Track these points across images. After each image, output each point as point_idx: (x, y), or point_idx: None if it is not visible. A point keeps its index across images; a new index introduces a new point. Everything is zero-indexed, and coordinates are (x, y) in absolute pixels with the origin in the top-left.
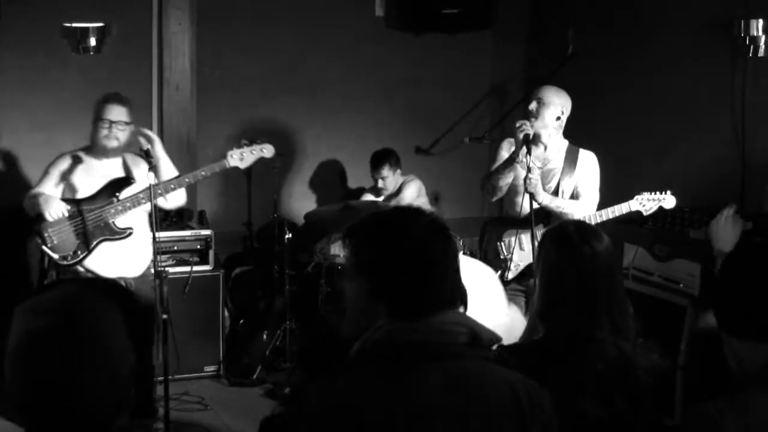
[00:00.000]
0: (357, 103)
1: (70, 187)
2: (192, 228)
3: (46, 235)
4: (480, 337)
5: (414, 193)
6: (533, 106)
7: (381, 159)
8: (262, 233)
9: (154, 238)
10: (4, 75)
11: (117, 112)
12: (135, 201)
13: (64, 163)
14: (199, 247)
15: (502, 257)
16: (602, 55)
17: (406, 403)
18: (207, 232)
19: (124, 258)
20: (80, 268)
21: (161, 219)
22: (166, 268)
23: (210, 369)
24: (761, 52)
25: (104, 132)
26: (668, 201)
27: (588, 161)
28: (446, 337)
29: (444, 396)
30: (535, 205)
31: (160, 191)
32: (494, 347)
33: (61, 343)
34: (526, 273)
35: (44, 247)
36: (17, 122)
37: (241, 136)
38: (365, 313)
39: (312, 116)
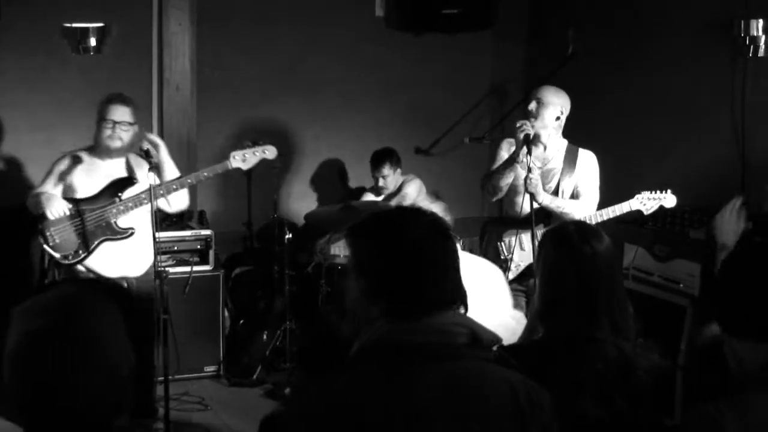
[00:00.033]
0: (357, 103)
1: (73, 187)
2: (192, 228)
3: (48, 234)
4: (480, 337)
5: (414, 193)
6: (533, 106)
7: (382, 158)
8: (262, 233)
9: (154, 238)
10: (4, 75)
11: (120, 113)
12: (137, 201)
13: (68, 163)
14: (199, 247)
15: (502, 257)
16: (602, 55)
17: (405, 403)
18: (207, 232)
19: (125, 258)
20: (81, 268)
21: (161, 219)
22: (167, 268)
23: (210, 369)
24: (761, 52)
25: (107, 132)
26: (669, 200)
27: (587, 161)
28: (445, 337)
29: (443, 396)
30: (535, 205)
31: (162, 192)
32: (494, 348)
33: (60, 343)
34: (526, 273)
35: (46, 246)
36: (17, 122)
37: (241, 136)
38: (365, 312)
39: (312, 116)
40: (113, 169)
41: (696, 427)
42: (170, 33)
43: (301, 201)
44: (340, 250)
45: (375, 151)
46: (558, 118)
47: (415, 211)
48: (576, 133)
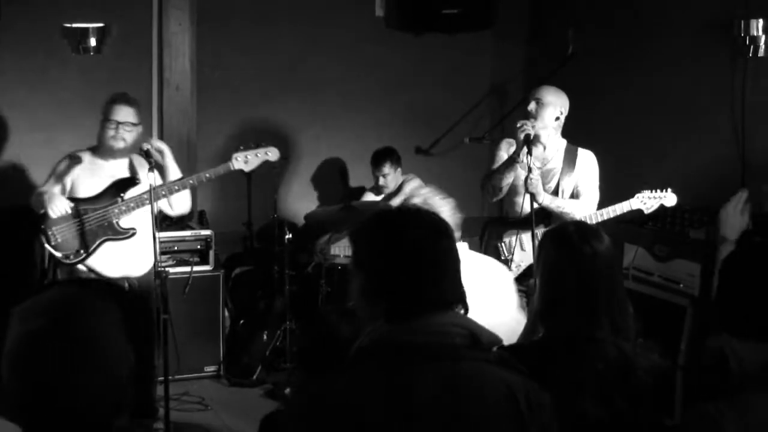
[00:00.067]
0: (357, 103)
1: (76, 187)
2: (192, 228)
3: (50, 233)
4: (479, 338)
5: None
6: (532, 106)
7: (382, 156)
8: (262, 233)
9: (154, 238)
10: (4, 75)
11: (124, 113)
12: (139, 201)
13: (72, 163)
14: (199, 247)
15: (502, 258)
16: (602, 55)
17: (405, 403)
18: (207, 232)
19: (127, 257)
20: (83, 267)
21: (162, 219)
22: (167, 269)
23: (210, 369)
24: (761, 52)
25: (111, 133)
26: (669, 199)
27: (587, 160)
28: (444, 338)
29: (443, 397)
30: (535, 206)
31: (164, 192)
32: (495, 349)
33: (59, 343)
34: (527, 273)
35: (47, 246)
36: (17, 122)
37: (241, 136)
38: (365, 312)
39: (312, 116)
40: (116, 169)
41: (696, 427)
42: (170, 33)
43: (301, 201)
44: (340, 250)
45: (376, 150)
46: (557, 119)
47: (415, 211)
48: (576, 133)
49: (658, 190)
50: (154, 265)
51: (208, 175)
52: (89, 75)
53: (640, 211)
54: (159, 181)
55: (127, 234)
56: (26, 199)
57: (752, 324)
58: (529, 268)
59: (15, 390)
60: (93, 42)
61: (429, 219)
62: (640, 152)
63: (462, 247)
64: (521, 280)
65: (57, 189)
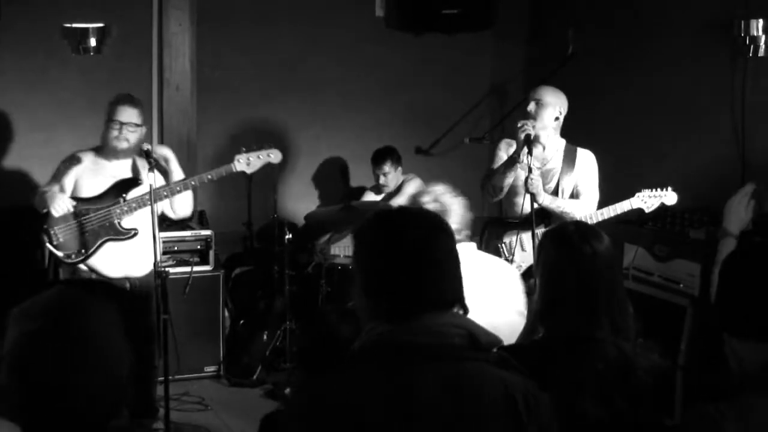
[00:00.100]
0: (357, 103)
1: (79, 186)
2: (192, 228)
3: (52, 232)
4: (478, 339)
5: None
6: (531, 107)
7: (383, 155)
8: (262, 233)
9: (154, 238)
10: (4, 75)
11: (128, 114)
12: (141, 202)
13: (75, 162)
14: (199, 247)
15: (503, 258)
16: (602, 55)
17: (405, 403)
18: (207, 232)
19: (128, 258)
20: (84, 267)
21: (162, 220)
22: (167, 269)
23: (210, 369)
24: (761, 52)
25: (114, 133)
26: (669, 197)
27: (586, 160)
28: (442, 338)
29: (443, 397)
30: (535, 206)
31: (165, 193)
32: (494, 349)
33: (58, 343)
34: (528, 273)
35: (49, 245)
36: (17, 122)
37: (241, 136)
38: (365, 312)
39: (312, 116)
40: (119, 169)
41: (696, 427)
42: (170, 33)
43: (301, 201)
44: (340, 250)
45: (376, 149)
46: (557, 119)
47: (415, 211)
48: (576, 133)
49: (659, 189)
50: (154, 265)
51: (210, 176)
52: (89, 75)
53: (640, 210)
54: (160, 182)
55: (129, 234)
56: (26, 198)
57: (752, 324)
58: (530, 268)
59: (14, 390)
60: (93, 42)
61: (429, 219)
62: (640, 152)
63: (470, 248)
64: (522, 280)
65: (60, 188)
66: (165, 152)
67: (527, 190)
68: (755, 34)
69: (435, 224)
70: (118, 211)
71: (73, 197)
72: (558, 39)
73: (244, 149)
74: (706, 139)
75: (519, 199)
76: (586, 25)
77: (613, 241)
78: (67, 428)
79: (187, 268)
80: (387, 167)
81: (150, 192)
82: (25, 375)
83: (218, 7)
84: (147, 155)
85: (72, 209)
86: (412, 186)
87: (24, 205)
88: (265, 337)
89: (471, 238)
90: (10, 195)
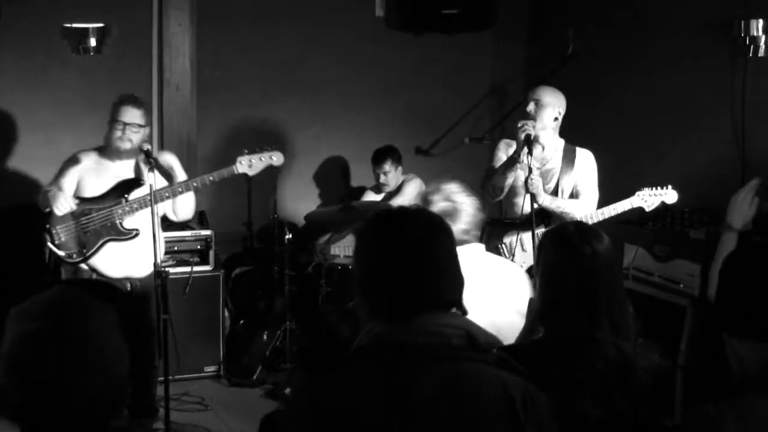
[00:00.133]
0: (357, 103)
1: (82, 186)
2: (192, 228)
3: (54, 232)
4: (477, 339)
5: (415, 192)
6: (531, 107)
7: (383, 154)
8: (262, 233)
9: (155, 238)
10: (4, 75)
11: (131, 114)
12: (143, 203)
13: (78, 162)
14: (199, 247)
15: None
16: (602, 55)
17: (405, 403)
18: (207, 232)
19: (129, 258)
20: (85, 267)
21: (163, 221)
22: (167, 269)
23: (210, 369)
24: (761, 52)
25: (118, 134)
26: (670, 196)
27: (585, 159)
28: (441, 338)
29: (442, 397)
30: (535, 206)
31: (167, 194)
32: (494, 350)
33: (57, 344)
34: (528, 273)
35: (50, 245)
36: (17, 122)
37: (241, 136)
38: (365, 312)
39: (312, 116)
40: (122, 170)
41: (696, 427)
42: (170, 33)
43: (301, 201)
44: (340, 250)
45: (377, 148)
46: (556, 119)
47: (415, 211)
48: (576, 133)
49: (659, 188)
50: (155, 265)
51: (211, 177)
52: (89, 75)
53: (641, 209)
54: (161, 183)
55: (131, 234)
56: (27, 198)
57: (752, 324)
58: (530, 268)
59: (14, 390)
60: (93, 42)
61: (429, 219)
62: (640, 152)
63: (478, 249)
64: None
65: (63, 187)
66: (169, 160)
67: (527, 191)
68: (755, 34)
69: (435, 224)
70: (119, 211)
71: (76, 197)
72: (558, 39)
73: (246, 151)
74: (706, 139)
75: (519, 200)
76: (586, 25)
77: (613, 241)
78: (66, 428)
79: (187, 268)
80: (387, 166)
81: (150, 193)
82: (25, 375)
83: (218, 7)
84: (147, 155)
85: (75, 208)
86: (413, 186)
87: (24, 204)
88: (265, 337)
89: (479, 239)
90: (10, 195)
